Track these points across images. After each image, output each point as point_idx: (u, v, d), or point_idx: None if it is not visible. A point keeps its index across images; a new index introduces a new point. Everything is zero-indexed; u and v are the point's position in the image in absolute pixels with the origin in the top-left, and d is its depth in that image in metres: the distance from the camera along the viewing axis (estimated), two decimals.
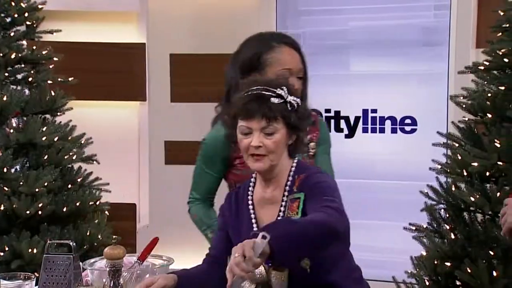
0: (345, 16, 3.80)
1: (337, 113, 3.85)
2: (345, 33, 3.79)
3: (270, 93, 1.72)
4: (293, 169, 1.79)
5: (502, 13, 2.72)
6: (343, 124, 3.85)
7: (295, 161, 1.81)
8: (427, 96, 3.71)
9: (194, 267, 1.85)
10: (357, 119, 3.81)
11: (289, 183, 1.77)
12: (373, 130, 3.79)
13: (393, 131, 3.76)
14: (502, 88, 2.67)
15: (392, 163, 3.74)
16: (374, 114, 3.79)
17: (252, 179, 1.85)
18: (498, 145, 2.60)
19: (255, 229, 1.77)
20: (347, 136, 3.83)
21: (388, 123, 3.77)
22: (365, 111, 3.79)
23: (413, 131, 3.73)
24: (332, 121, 3.85)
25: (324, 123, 2.23)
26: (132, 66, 4.01)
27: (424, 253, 2.79)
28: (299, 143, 1.80)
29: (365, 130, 3.81)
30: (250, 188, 1.84)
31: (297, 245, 1.55)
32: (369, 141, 3.80)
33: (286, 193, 1.77)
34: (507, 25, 2.68)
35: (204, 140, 2.18)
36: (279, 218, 1.75)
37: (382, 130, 3.79)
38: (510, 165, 2.57)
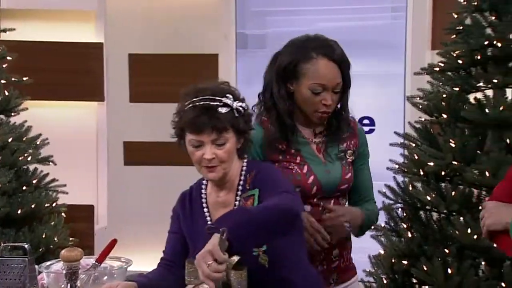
0: (305, 17, 3.83)
1: None
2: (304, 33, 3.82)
3: (217, 103, 1.72)
4: (244, 168, 1.82)
5: (455, 16, 2.79)
6: None
7: (245, 161, 1.83)
8: (384, 96, 3.78)
9: (151, 271, 1.84)
10: None
11: (241, 182, 1.80)
12: None
13: None
14: (456, 89, 2.74)
15: None
16: None
17: (204, 181, 1.86)
18: (453, 145, 2.67)
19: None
20: None
21: None
22: None
23: (371, 131, 3.79)
24: None
25: (363, 131, 2.12)
26: (90, 65, 3.96)
27: (382, 252, 2.84)
28: (246, 144, 1.82)
29: None
30: (203, 191, 1.85)
31: (254, 232, 1.58)
32: None
33: (239, 193, 1.79)
34: (461, 27, 2.76)
35: None
36: None
37: None
38: (464, 165, 2.64)
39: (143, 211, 4.00)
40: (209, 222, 1.80)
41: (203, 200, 1.84)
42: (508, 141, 2.61)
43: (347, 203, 2.05)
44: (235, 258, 1.65)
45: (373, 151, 3.63)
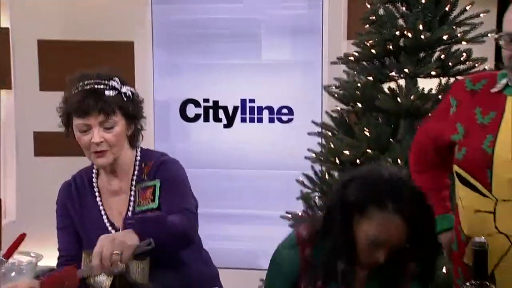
0: (218, 5, 3.85)
1: (216, 103, 3.92)
2: (221, 22, 3.85)
3: (103, 86, 1.75)
4: (138, 158, 1.84)
5: (369, 6, 2.89)
6: (221, 114, 3.92)
7: (139, 150, 1.86)
8: (302, 86, 3.86)
9: (57, 270, 1.84)
10: (235, 109, 3.90)
11: (136, 172, 1.83)
12: (251, 120, 3.90)
13: (271, 120, 3.88)
14: (371, 78, 2.85)
15: (270, 153, 3.87)
16: (252, 104, 3.89)
17: (94, 170, 1.88)
18: (368, 134, 2.77)
19: (105, 219, 1.81)
20: (225, 126, 3.91)
21: (265, 112, 3.89)
22: (243, 101, 3.89)
23: (290, 120, 3.88)
24: (211, 111, 3.92)
25: None
26: None
27: None
28: (138, 132, 1.85)
29: (243, 120, 3.91)
30: (94, 180, 1.87)
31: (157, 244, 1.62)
32: (247, 130, 3.90)
33: (133, 183, 1.82)
34: (374, 17, 2.86)
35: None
36: (129, 207, 1.80)
37: (260, 120, 3.90)
38: (378, 153, 2.75)
39: (54, 204, 3.91)
40: (102, 212, 1.83)
41: (95, 188, 1.85)
42: None
43: None
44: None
45: (292, 140, 3.77)
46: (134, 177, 1.82)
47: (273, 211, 3.30)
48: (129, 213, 1.79)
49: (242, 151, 3.87)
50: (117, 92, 1.75)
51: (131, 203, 1.80)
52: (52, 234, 3.90)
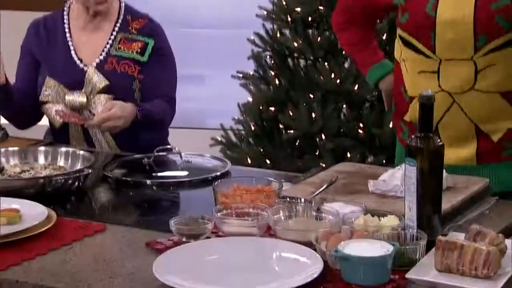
0: None
1: None
2: None
3: None
4: (122, 6, 1.96)
5: None
6: None
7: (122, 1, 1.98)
8: None
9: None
10: None
11: (120, 20, 1.94)
12: None
13: None
14: None
15: (219, 11, 3.78)
16: None
17: (65, 8, 1.97)
18: None
19: (73, 54, 1.92)
20: None
21: None
22: None
23: None
24: None
25: None
26: None
27: (251, 100, 2.93)
28: None
29: None
30: (65, 16, 1.96)
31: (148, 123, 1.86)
32: None
33: (116, 28, 1.93)
34: None
35: None
36: (105, 48, 1.93)
37: None
38: (330, 10, 2.69)
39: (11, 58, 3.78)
40: (71, 46, 1.93)
41: (65, 25, 1.95)
42: None
43: None
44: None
45: None
46: (118, 24, 1.93)
47: (224, 70, 3.27)
48: (103, 53, 1.91)
49: (191, 8, 3.77)
50: None
51: (108, 45, 1.92)
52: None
